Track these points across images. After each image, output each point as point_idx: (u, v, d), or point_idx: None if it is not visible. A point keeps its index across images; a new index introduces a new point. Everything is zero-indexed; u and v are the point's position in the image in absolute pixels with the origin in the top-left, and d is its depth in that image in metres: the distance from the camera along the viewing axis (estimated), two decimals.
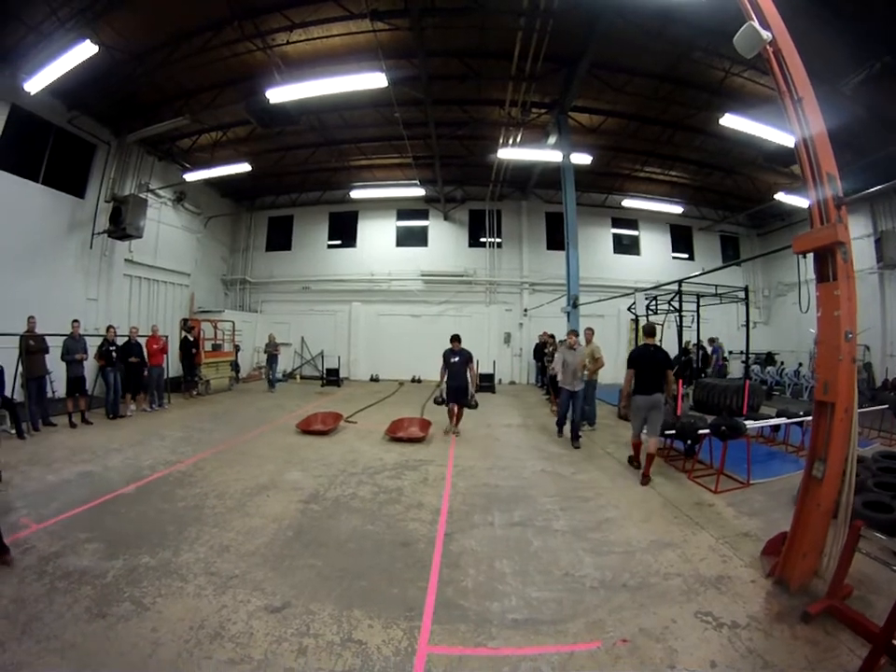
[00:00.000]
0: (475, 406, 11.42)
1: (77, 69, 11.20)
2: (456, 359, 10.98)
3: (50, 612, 3.89)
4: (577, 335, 11.06)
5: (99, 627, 3.74)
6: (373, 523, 6.04)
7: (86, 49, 10.62)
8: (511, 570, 4.87)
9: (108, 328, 12.81)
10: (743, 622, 3.94)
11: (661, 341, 13.54)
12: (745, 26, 4.78)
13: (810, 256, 4.63)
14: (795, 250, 4.68)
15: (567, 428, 10.88)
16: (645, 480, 7.69)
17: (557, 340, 17.25)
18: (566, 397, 10.63)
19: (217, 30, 11.91)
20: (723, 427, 7.66)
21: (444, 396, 11.15)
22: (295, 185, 23.49)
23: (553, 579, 4.71)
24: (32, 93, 12.07)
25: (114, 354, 12.36)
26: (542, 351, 19.48)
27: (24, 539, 5.25)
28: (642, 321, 15.34)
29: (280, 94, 12.29)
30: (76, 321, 11.71)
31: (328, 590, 4.37)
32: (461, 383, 11.07)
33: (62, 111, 14.13)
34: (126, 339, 13.01)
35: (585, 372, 10.75)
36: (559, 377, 10.81)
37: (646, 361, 8.09)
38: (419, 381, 22.44)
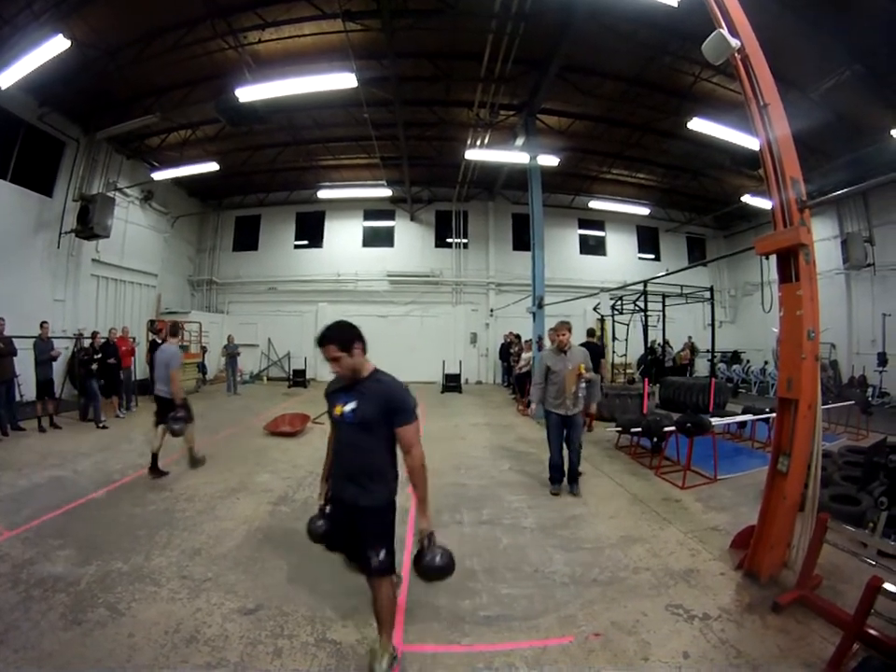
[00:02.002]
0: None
1: (48, 64, 10.99)
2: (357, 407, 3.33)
3: (27, 621, 3.85)
4: (569, 330, 7.42)
5: (75, 634, 3.72)
6: None
7: (58, 44, 10.42)
8: (482, 568, 4.94)
9: (94, 333, 12.71)
10: (714, 613, 4.04)
11: (627, 340, 13.83)
12: (714, 34, 4.88)
13: (773, 257, 4.73)
14: (758, 252, 4.80)
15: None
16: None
17: (523, 340, 17.41)
18: (555, 425, 7.40)
19: (190, 27, 11.79)
20: (689, 424, 7.83)
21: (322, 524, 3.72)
22: (263, 184, 23.33)
23: (523, 575, 4.79)
24: (3, 88, 11.77)
25: (96, 360, 12.13)
26: (508, 351, 19.69)
27: None
28: (608, 321, 15.64)
29: (250, 93, 12.18)
30: (44, 323, 11.45)
31: (299, 591, 4.39)
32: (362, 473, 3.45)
33: (33, 107, 13.85)
34: (104, 340, 12.81)
35: (583, 385, 7.24)
36: (545, 398, 7.43)
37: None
38: None
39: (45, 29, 10.56)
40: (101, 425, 11.57)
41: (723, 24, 4.94)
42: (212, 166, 17.02)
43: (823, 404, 4.68)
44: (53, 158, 15.30)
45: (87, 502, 6.66)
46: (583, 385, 7.22)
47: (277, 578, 4.71)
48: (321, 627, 3.91)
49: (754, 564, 4.61)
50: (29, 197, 14.47)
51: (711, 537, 5.59)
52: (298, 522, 5.96)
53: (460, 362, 21.48)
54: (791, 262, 4.49)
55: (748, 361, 22.50)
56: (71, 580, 4.54)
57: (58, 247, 15.35)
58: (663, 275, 13.05)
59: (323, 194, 22.00)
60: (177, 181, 20.85)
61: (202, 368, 19.48)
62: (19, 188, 14.08)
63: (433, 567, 3.27)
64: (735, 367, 21.78)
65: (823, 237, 18.16)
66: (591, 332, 12.65)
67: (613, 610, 4.12)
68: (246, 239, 25.06)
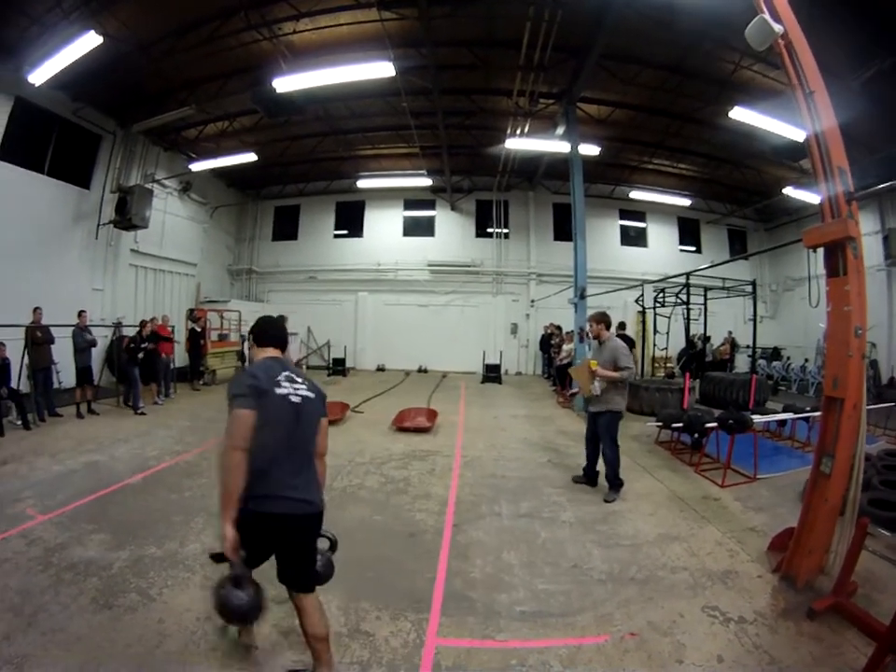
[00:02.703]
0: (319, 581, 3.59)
1: (81, 60, 11.09)
2: (310, 396, 3.23)
3: (56, 604, 3.89)
4: (597, 322, 7.08)
5: (105, 619, 3.73)
6: (381, 513, 6.07)
7: (90, 41, 10.50)
8: (519, 562, 4.87)
9: (142, 322, 12.85)
10: (750, 617, 3.93)
11: (668, 333, 13.58)
12: (756, 19, 4.72)
13: (820, 250, 4.57)
14: (806, 244, 4.62)
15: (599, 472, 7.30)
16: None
17: (564, 331, 17.21)
18: (587, 421, 7.41)
19: (223, 19, 11.79)
20: (731, 421, 7.66)
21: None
22: (301, 174, 23.36)
23: (560, 571, 4.71)
24: (36, 85, 12.00)
25: (143, 349, 12.30)
26: (549, 342, 19.50)
27: (30, 530, 5.26)
28: (648, 313, 15.38)
29: (286, 84, 12.15)
30: (83, 311, 11.62)
31: (335, 581, 4.31)
32: (311, 494, 3.22)
33: (66, 103, 14.03)
34: (152, 331, 12.96)
35: (597, 384, 6.70)
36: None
37: None
38: (425, 371, 22.47)
39: (75, 26, 10.64)
40: (139, 411, 11.73)
41: (765, 9, 4.76)
42: (250, 157, 17.08)
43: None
44: (90, 151, 15.51)
45: (122, 487, 6.74)
46: (597, 383, 6.70)
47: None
48: (355, 618, 3.88)
49: (792, 567, 4.48)
50: (66, 190, 14.69)
51: (749, 538, 5.45)
52: (337, 510, 5.99)
53: (500, 353, 21.33)
54: (839, 256, 4.34)
55: (788, 358, 21.84)
56: (103, 564, 4.58)
57: (96, 238, 15.60)
58: (706, 267, 12.77)
59: (363, 184, 22.03)
60: (216, 172, 20.99)
61: (241, 356, 19.56)
62: (55, 181, 14.29)
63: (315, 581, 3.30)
64: (775, 364, 21.19)
65: (864, 232, 17.41)
66: (621, 325, 12.45)
67: (650, 610, 4.04)
68: (286, 228, 25.22)
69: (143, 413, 11.68)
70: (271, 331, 3.43)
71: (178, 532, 5.32)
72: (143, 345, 12.26)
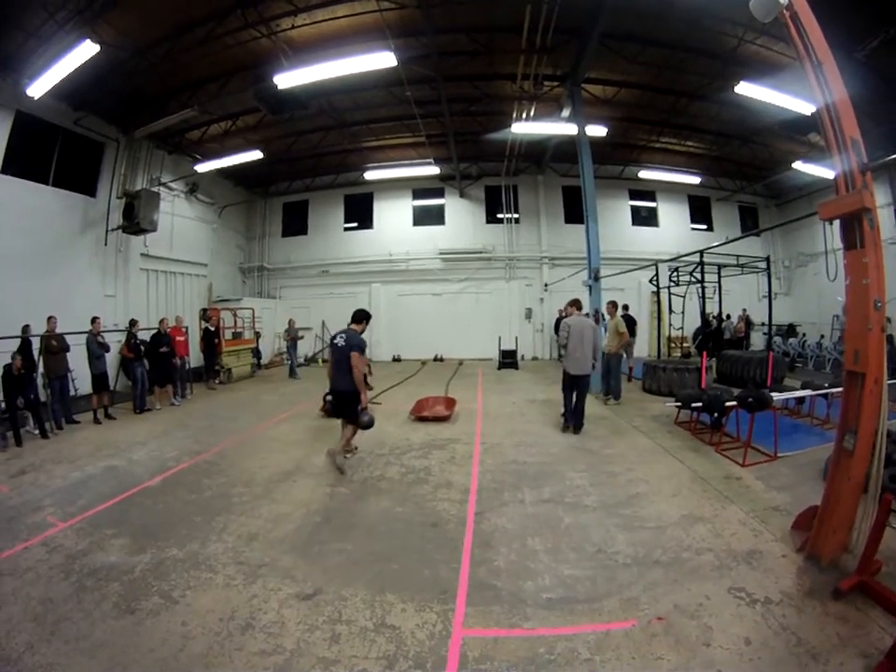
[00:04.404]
0: (367, 425, 7.39)
1: (79, 70, 11.14)
2: (342, 345, 7.32)
3: (79, 611, 3.89)
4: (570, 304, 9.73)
5: (128, 623, 3.74)
6: (402, 504, 6.05)
7: (87, 50, 10.53)
8: (544, 548, 4.84)
9: (132, 321, 12.92)
10: (776, 598, 3.89)
11: (683, 313, 13.49)
12: None
13: (836, 223, 4.48)
14: (822, 217, 4.54)
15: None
16: None
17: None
18: (572, 382, 9.41)
19: (219, 19, 11.76)
20: (751, 399, 7.56)
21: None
22: (308, 169, 23.33)
23: (585, 556, 4.68)
24: (35, 98, 12.08)
25: (142, 348, 12.52)
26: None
27: (51, 538, 5.27)
28: (663, 293, 15.25)
29: (288, 80, 12.11)
30: (96, 318, 11.64)
31: (359, 574, 4.35)
32: (345, 385, 7.29)
33: (68, 113, 14.13)
34: (156, 331, 13.11)
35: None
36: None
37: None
38: (441, 359, 22.53)
39: (71, 36, 10.70)
40: (141, 410, 12.04)
41: None
42: (255, 155, 17.13)
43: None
44: (94, 159, 15.61)
45: (142, 490, 6.75)
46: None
47: (336, 561, 4.69)
48: (380, 612, 3.86)
49: (816, 546, 4.42)
50: (72, 199, 14.81)
51: (773, 517, 5.38)
52: (358, 503, 6.00)
53: (516, 338, 21.32)
54: (856, 228, 4.25)
55: (803, 335, 21.59)
56: (125, 568, 4.59)
57: (105, 245, 15.74)
58: (718, 245, 12.62)
59: (370, 175, 21.87)
60: (222, 172, 21.00)
61: (256, 353, 19.64)
62: (60, 191, 14.41)
63: (364, 424, 7.32)
64: (790, 340, 20.89)
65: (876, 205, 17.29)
66: (625, 307, 13.14)
67: (676, 593, 4.00)
68: (295, 224, 25.30)
69: (149, 410, 12.11)
70: (356, 314, 7.70)
71: (199, 533, 5.32)
72: (138, 342, 12.47)
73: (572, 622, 3.68)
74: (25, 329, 10.77)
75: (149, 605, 3.97)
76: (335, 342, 7.32)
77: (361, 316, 7.60)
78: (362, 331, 7.51)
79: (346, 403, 7.32)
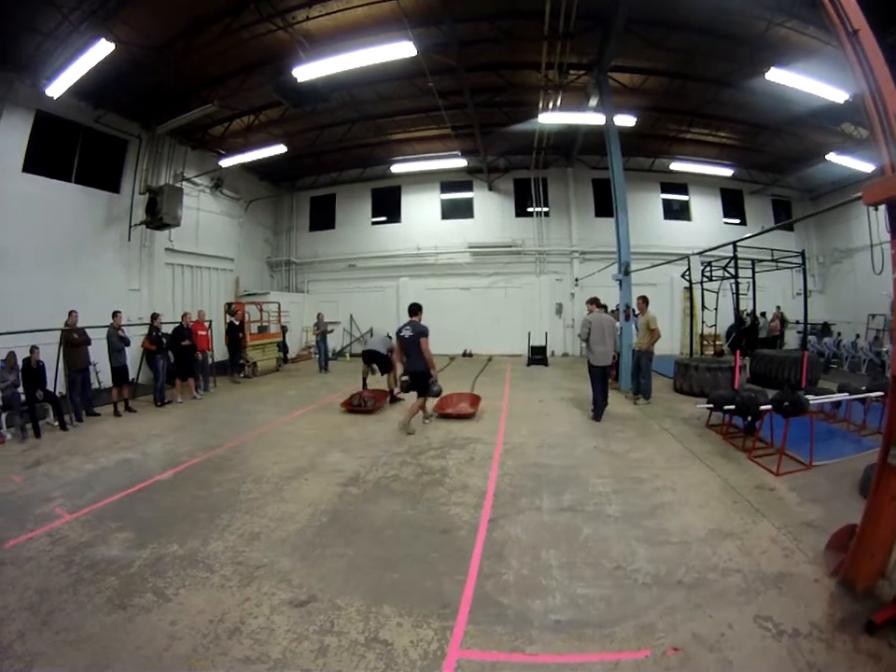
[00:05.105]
0: (437, 393, 9.73)
1: (97, 68, 11.18)
2: (409, 335, 9.30)
3: (73, 603, 3.93)
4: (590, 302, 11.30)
5: (118, 619, 3.73)
6: (414, 507, 5.85)
7: (103, 49, 10.56)
8: (558, 562, 4.54)
9: (154, 315, 12.94)
10: (804, 629, 3.49)
11: (716, 309, 13.17)
12: None
13: (881, 210, 3.97)
14: (866, 201, 3.97)
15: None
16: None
17: (608, 309, 16.84)
18: (599, 373, 10.37)
19: (234, 14, 11.69)
20: (787, 404, 7.09)
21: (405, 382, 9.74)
22: (334, 163, 23.32)
23: (602, 573, 4.36)
24: (54, 98, 12.21)
25: (163, 340, 12.62)
26: None
27: (56, 529, 5.31)
28: (695, 289, 14.87)
29: (307, 72, 12.01)
30: (117, 312, 11.68)
31: (357, 582, 4.17)
32: (418, 366, 9.28)
33: (88, 111, 14.26)
34: (178, 324, 13.22)
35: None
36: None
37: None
38: (470, 355, 22.40)
39: (86, 36, 10.75)
40: (161, 403, 12.16)
41: None
42: (279, 149, 17.17)
43: None
44: (116, 156, 15.77)
45: (152, 484, 6.74)
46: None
47: (336, 566, 4.51)
48: (374, 625, 3.66)
49: (851, 572, 3.96)
50: (96, 195, 14.97)
51: (806, 534, 4.95)
52: (368, 504, 5.84)
53: (546, 334, 21.12)
54: None
55: (839, 334, 20.79)
56: (124, 563, 4.58)
57: (129, 240, 15.91)
58: (752, 235, 12.27)
59: (397, 168, 21.79)
60: (247, 166, 20.91)
61: (282, 347, 19.63)
62: (84, 187, 14.57)
63: (434, 392, 9.60)
64: (825, 340, 20.11)
65: None
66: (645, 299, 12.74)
67: (696, 620, 3.64)
68: (323, 218, 25.37)
69: (168, 402, 12.26)
70: (410, 307, 9.71)
71: (202, 530, 5.25)
72: (160, 334, 12.61)
73: (579, 648, 3.38)
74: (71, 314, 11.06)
75: (142, 601, 3.95)
76: (402, 334, 9.38)
77: (416, 308, 9.70)
78: (420, 319, 9.60)
79: (420, 380, 9.40)
